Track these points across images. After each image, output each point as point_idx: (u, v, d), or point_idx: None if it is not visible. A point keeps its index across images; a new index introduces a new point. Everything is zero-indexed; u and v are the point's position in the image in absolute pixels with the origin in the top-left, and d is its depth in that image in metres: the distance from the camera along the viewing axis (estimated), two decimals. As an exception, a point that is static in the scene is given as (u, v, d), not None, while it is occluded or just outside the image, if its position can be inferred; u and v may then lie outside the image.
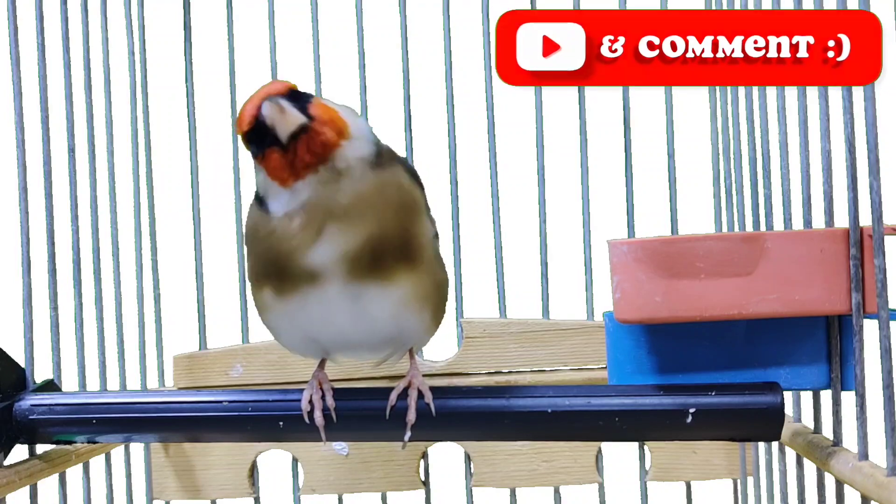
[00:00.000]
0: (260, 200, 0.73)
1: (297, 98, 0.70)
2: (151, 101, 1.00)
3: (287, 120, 0.68)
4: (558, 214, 0.98)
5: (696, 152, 1.00)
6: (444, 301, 0.78)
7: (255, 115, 0.69)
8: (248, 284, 0.76)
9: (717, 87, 0.97)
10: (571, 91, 0.96)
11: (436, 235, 0.78)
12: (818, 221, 0.77)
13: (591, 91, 0.96)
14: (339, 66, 0.99)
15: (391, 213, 0.71)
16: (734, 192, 0.96)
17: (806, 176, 0.78)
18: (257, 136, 0.70)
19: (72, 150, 0.91)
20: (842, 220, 0.71)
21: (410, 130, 0.97)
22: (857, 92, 0.68)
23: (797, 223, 0.80)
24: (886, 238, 0.68)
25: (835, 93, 0.70)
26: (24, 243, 0.85)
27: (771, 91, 0.86)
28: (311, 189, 0.70)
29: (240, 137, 0.72)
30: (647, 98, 0.98)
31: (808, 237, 0.70)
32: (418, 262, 0.73)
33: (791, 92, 0.81)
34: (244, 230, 0.76)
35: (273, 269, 0.71)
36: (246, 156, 0.73)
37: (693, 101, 0.99)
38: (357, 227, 0.70)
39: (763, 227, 0.89)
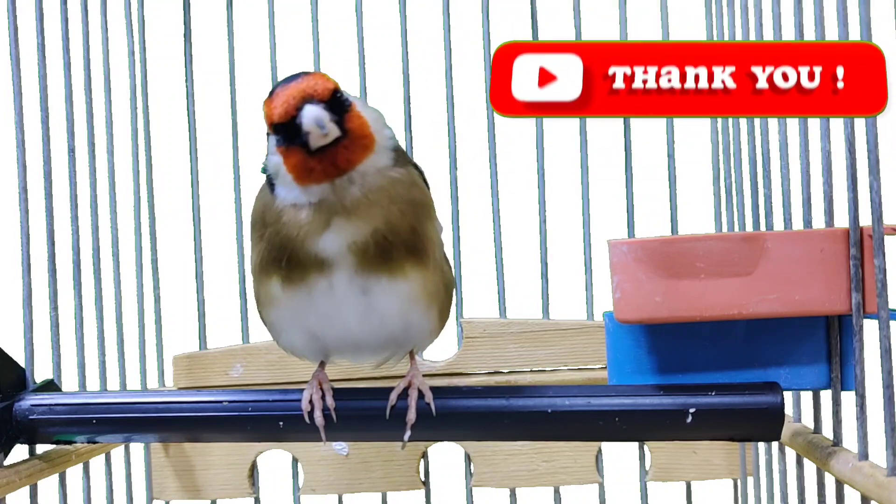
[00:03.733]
0: (270, 181, 0.72)
1: (338, 104, 0.69)
2: (151, 101, 1.00)
3: (325, 135, 0.68)
4: (558, 214, 0.98)
5: (696, 152, 0.99)
6: (450, 302, 0.78)
7: (291, 113, 0.68)
8: (252, 278, 0.75)
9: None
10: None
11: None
12: (818, 221, 0.77)
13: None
14: (339, 66, 0.98)
15: (400, 209, 0.71)
16: (734, 192, 0.96)
17: (806, 176, 0.78)
18: (286, 129, 0.69)
19: (72, 150, 0.91)
20: (842, 220, 0.71)
21: (410, 130, 0.97)
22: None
23: (797, 223, 0.80)
24: (886, 238, 0.68)
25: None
26: (24, 243, 0.85)
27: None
28: (324, 192, 0.70)
29: (263, 119, 0.71)
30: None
31: (808, 237, 0.70)
32: (427, 260, 0.73)
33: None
34: (252, 213, 0.75)
35: (281, 255, 0.71)
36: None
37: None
38: (364, 220, 0.70)
39: (763, 227, 0.89)
